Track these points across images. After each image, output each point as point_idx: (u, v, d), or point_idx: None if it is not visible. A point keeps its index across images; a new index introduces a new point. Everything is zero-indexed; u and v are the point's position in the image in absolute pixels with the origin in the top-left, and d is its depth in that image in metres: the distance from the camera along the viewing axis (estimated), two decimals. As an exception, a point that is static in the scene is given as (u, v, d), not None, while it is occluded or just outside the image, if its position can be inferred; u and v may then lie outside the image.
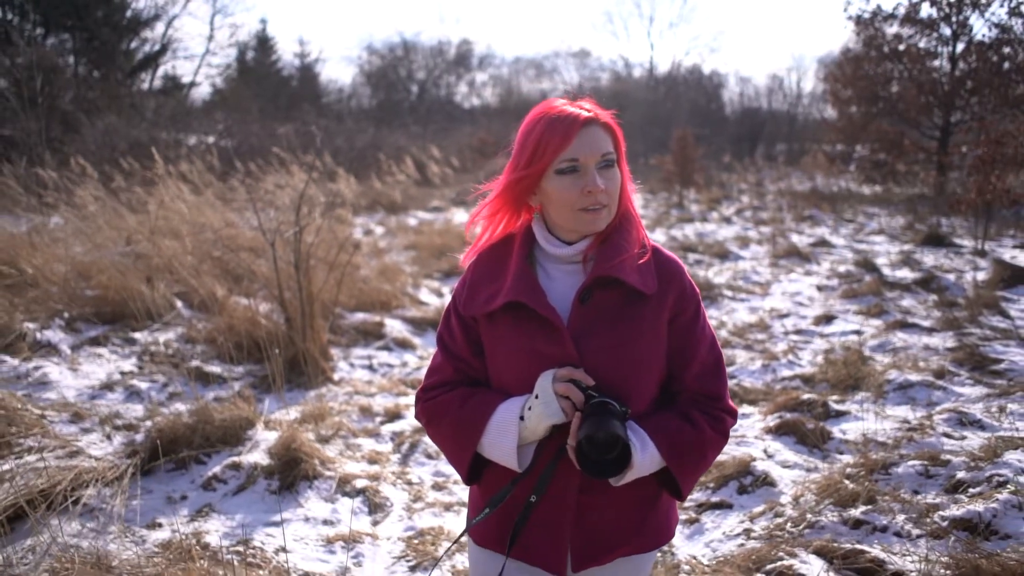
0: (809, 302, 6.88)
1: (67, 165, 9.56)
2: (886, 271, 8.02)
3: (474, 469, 1.44)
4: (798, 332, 5.83)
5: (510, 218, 1.45)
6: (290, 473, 3.25)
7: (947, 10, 16.59)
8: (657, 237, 11.41)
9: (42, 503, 2.86)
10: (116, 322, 5.90)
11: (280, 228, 5.06)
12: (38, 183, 8.91)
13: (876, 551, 2.53)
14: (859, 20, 17.55)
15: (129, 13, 24.97)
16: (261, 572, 2.57)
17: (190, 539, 2.74)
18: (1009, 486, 2.83)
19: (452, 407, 1.41)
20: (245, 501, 3.14)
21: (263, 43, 34.29)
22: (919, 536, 2.66)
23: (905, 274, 7.78)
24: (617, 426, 1.21)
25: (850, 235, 11.48)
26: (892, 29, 17.47)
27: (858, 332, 5.61)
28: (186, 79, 29.59)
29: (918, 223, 12.14)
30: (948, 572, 2.35)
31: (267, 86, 31.23)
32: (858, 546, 2.56)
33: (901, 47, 17.17)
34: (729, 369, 4.89)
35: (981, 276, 7.47)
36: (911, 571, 2.39)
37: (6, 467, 3.13)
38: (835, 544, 2.58)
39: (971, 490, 2.92)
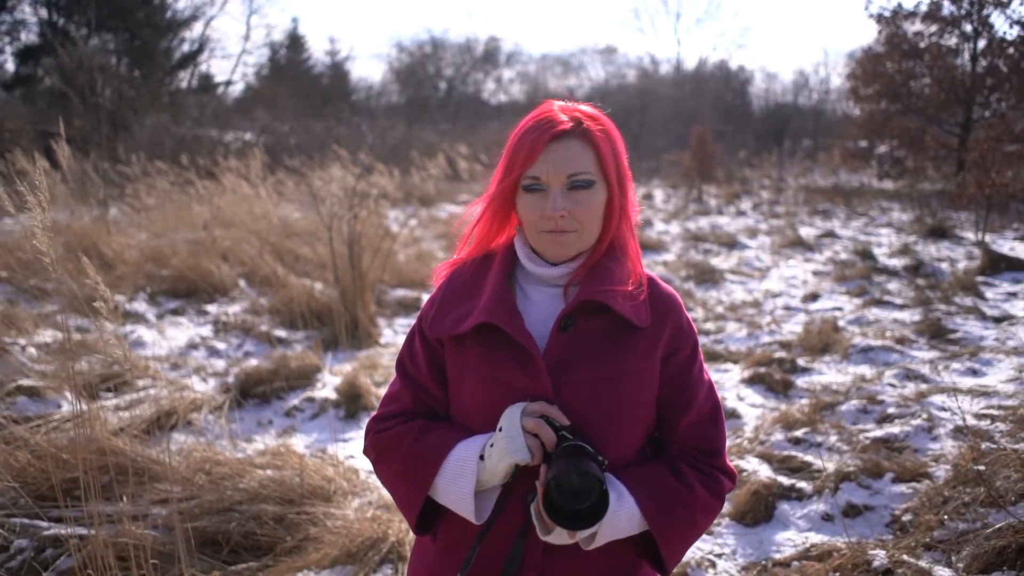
0: (802, 285, 7.59)
1: (124, 161, 10.59)
2: (882, 259, 8.65)
3: (426, 517, 1.25)
4: (786, 308, 6.55)
5: (498, 230, 1.33)
6: (353, 405, 4.10)
7: (968, 7, 16.97)
8: (673, 229, 12.11)
9: (167, 421, 3.73)
10: (190, 297, 6.83)
11: (335, 215, 5.91)
12: (105, 177, 9.93)
13: (806, 456, 3.29)
14: (880, 18, 17.99)
15: (169, 14, 26.21)
16: (337, 468, 3.40)
17: (281, 447, 3.58)
18: (923, 415, 3.56)
19: (406, 441, 1.23)
20: (319, 425, 4.00)
21: (295, 41, 35.46)
22: (846, 451, 3.41)
23: (898, 262, 8.41)
24: (593, 467, 1.05)
25: (859, 228, 12.07)
26: (914, 27, 17.88)
27: (838, 308, 6.32)
28: (220, 78, 30.91)
29: (927, 217, 12.66)
30: (856, 468, 3.10)
31: (299, 84, 32.29)
32: (792, 453, 3.33)
33: (922, 44, 17.57)
34: (718, 336, 5.64)
35: (971, 264, 8.08)
36: (829, 469, 3.15)
37: (134, 396, 4.01)
38: (775, 452, 3.35)
39: (896, 420, 3.65)
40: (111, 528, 2.59)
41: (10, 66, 23.57)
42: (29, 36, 23.31)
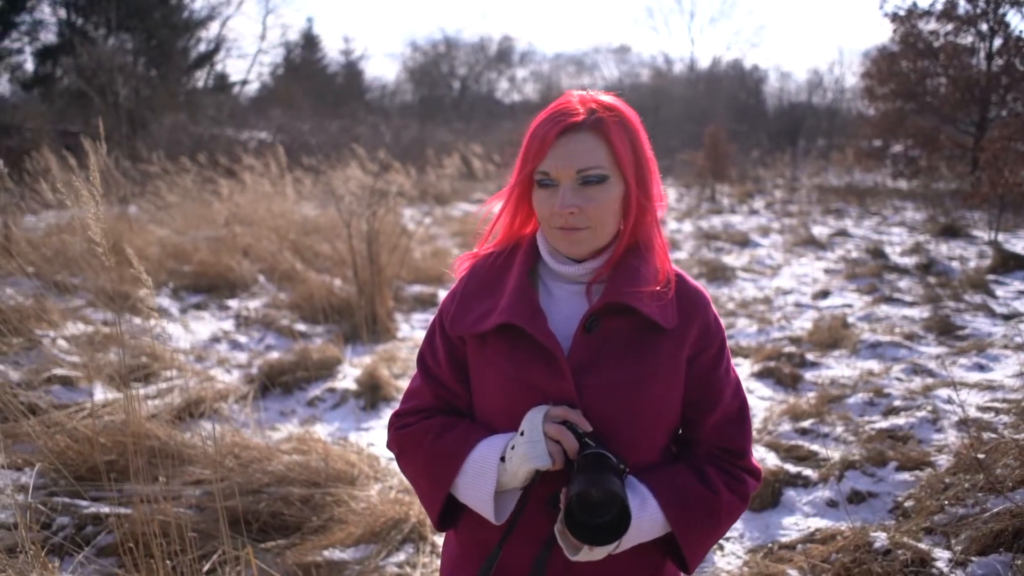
0: (813, 282, 7.66)
1: (145, 159, 10.81)
2: (893, 258, 8.70)
3: (448, 512, 1.26)
4: (796, 305, 6.64)
5: (521, 223, 1.30)
6: (373, 396, 4.24)
7: (984, 6, 16.90)
8: (686, 228, 12.18)
9: (196, 409, 3.89)
10: (211, 292, 7.00)
11: (353, 212, 6.06)
12: (126, 175, 10.15)
13: (812, 446, 3.39)
14: (895, 17, 17.94)
15: (185, 14, 26.52)
16: (358, 456, 3.53)
17: (305, 434, 3.73)
18: (928, 407, 3.65)
19: (427, 438, 1.23)
20: (340, 414, 4.14)
21: (309, 41, 35.76)
22: (852, 441, 3.50)
23: (910, 260, 8.46)
24: (615, 483, 1.04)
25: (872, 227, 12.09)
26: (929, 26, 17.82)
27: (848, 305, 6.39)
28: (236, 77, 31.25)
29: (941, 216, 12.65)
30: (860, 457, 3.20)
31: (313, 83, 32.53)
32: (799, 443, 3.43)
33: (937, 43, 17.51)
34: (729, 332, 5.72)
35: (983, 262, 8.11)
36: (834, 457, 3.25)
37: (162, 386, 4.17)
38: (782, 441, 3.46)
39: (902, 413, 3.74)
40: (147, 507, 2.74)
41: (29, 66, 23.99)
42: (48, 36, 23.72)
